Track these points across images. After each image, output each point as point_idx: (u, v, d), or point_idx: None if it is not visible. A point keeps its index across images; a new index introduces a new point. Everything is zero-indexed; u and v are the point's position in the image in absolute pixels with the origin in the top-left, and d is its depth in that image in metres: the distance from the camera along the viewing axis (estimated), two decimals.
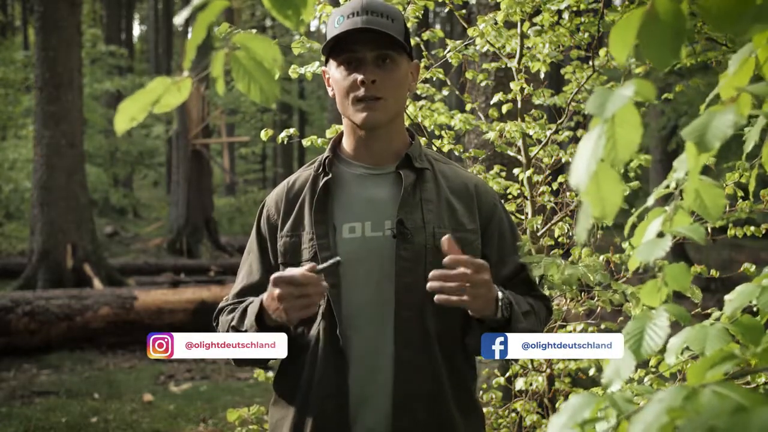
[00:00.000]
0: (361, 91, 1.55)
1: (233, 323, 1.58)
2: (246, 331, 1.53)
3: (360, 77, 1.55)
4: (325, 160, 1.66)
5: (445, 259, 1.41)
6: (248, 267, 1.69)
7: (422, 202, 1.60)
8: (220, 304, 1.70)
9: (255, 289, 1.66)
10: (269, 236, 1.67)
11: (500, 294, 1.51)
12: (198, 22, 0.69)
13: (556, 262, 1.67)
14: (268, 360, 1.59)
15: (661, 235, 0.75)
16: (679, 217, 0.76)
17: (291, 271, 1.45)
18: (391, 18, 1.57)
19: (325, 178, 1.62)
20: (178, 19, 0.73)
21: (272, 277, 1.45)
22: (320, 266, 1.46)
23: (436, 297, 1.42)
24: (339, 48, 1.57)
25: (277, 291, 1.44)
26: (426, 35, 2.63)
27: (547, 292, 2.01)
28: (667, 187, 0.84)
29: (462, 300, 1.41)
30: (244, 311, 1.57)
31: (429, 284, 1.41)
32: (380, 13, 1.55)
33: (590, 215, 0.66)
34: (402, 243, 1.55)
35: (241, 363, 1.65)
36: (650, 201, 0.84)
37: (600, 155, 0.63)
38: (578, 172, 0.64)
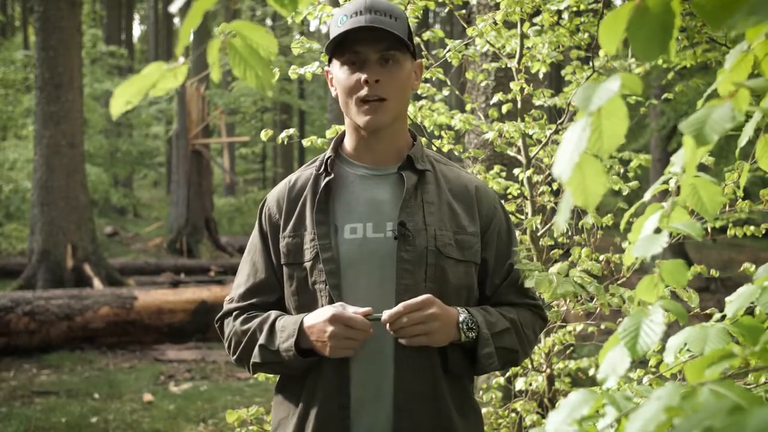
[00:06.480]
0: (365, 91, 1.54)
1: (262, 341, 1.57)
2: (278, 350, 1.55)
3: (363, 77, 1.53)
4: (327, 159, 1.65)
5: (383, 319, 1.48)
6: (251, 266, 1.68)
7: (424, 204, 1.59)
8: (227, 306, 1.69)
9: (263, 287, 1.65)
10: (271, 235, 1.66)
11: (462, 317, 1.54)
12: (194, 8, 0.68)
13: (549, 279, 1.65)
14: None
15: (658, 231, 0.75)
16: (676, 214, 0.76)
17: (349, 313, 1.48)
18: (394, 17, 1.55)
19: (327, 178, 1.61)
20: (173, 7, 0.73)
21: (332, 313, 1.48)
22: (374, 315, 1.50)
23: (401, 341, 1.51)
24: (342, 47, 1.56)
25: (331, 328, 1.47)
26: (426, 35, 2.63)
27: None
28: (665, 182, 0.84)
29: (421, 342, 1.50)
30: (272, 328, 1.57)
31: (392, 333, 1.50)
32: (384, 12, 1.54)
33: (571, 204, 0.67)
34: (403, 245, 1.55)
35: (258, 371, 1.68)
36: (647, 196, 0.84)
37: (584, 146, 0.65)
38: (562, 162, 0.65)
